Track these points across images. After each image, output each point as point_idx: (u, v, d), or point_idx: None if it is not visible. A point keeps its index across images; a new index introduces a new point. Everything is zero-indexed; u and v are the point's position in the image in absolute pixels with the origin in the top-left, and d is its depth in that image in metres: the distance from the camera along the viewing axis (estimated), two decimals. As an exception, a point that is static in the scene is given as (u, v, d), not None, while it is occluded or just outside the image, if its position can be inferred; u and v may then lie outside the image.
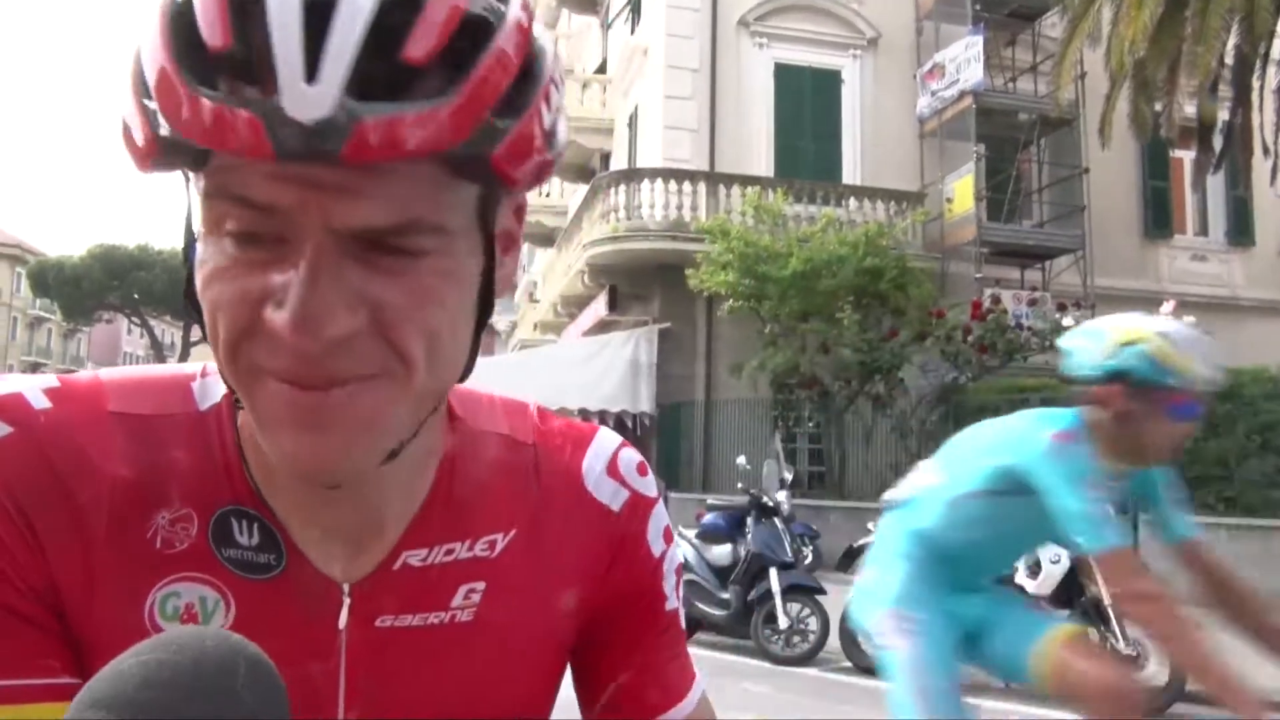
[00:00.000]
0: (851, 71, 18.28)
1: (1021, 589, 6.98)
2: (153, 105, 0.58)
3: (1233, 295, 18.97)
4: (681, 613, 0.92)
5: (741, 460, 9.94)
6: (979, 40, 16.45)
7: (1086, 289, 16.73)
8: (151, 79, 0.58)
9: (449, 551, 0.79)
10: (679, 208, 16.23)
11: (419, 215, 0.61)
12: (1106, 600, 6.60)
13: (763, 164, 17.49)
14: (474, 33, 0.60)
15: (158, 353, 50.18)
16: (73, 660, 0.68)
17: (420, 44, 0.57)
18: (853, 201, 16.76)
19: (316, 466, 0.64)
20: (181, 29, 0.58)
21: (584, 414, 15.06)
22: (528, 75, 0.63)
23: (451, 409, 0.82)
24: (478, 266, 0.68)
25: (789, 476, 9.97)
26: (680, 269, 15.10)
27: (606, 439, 0.90)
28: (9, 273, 61.17)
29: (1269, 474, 10.96)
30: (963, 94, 16.69)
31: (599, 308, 17.96)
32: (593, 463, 0.87)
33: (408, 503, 0.78)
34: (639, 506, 0.88)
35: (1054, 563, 6.85)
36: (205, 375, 0.77)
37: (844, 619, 7.67)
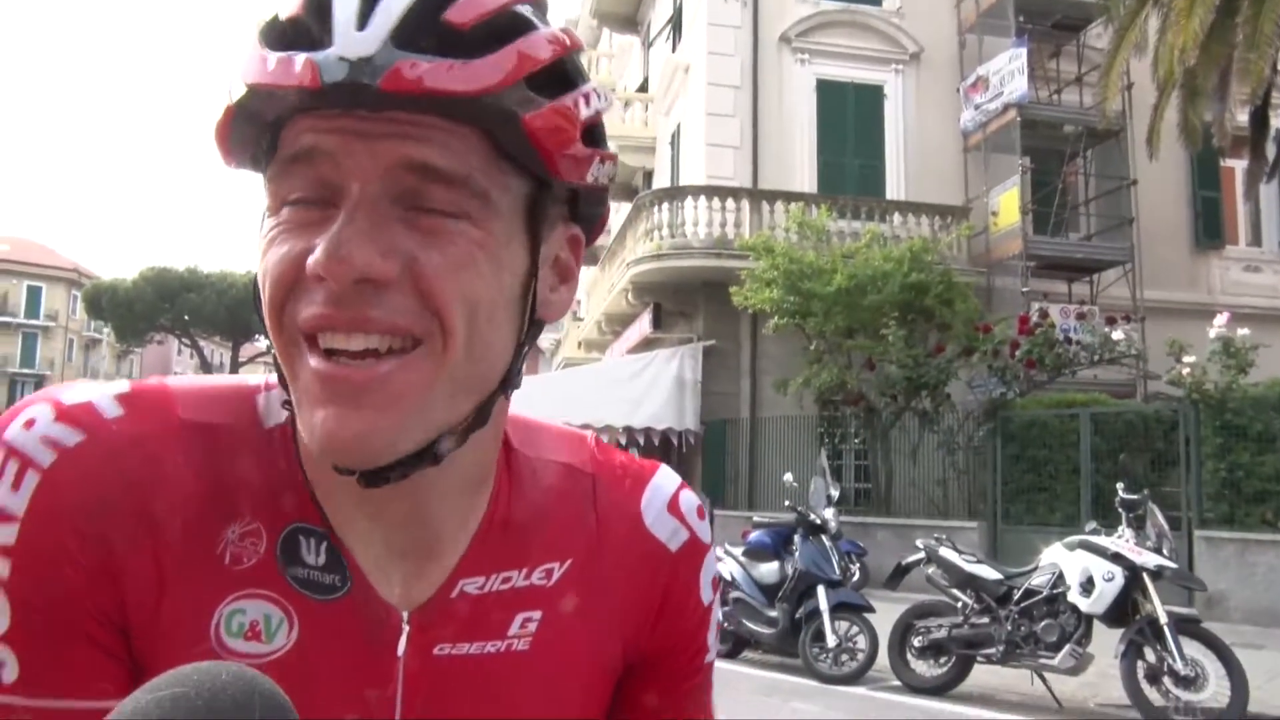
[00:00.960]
0: (894, 86, 18.20)
1: (1074, 607, 6.87)
2: (233, 86, 0.65)
3: (1288, 306, 18.59)
4: (715, 665, 0.91)
5: (788, 478, 9.89)
6: (1023, 52, 16.32)
7: (1136, 302, 16.50)
8: (241, 59, 0.65)
9: (506, 580, 0.78)
10: (722, 225, 16.23)
11: (468, 172, 0.65)
12: (1162, 619, 6.47)
13: (806, 180, 17.45)
14: (515, 23, 0.67)
15: (207, 373, 50.89)
16: (129, 681, 0.66)
17: (465, 11, 0.64)
18: (897, 217, 16.66)
19: (349, 442, 0.64)
20: (266, 21, 0.66)
21: (629, 431, 15.07)
22: (564, 75, 0.69)
23: (507, 437, 0.82)
24: (521, 265, 0.70)
25: (836, 494, 9.90)
26: (724, 286, 15.08)
27: (667, 477, 0.89)
28: (66, 296, 62.43)
29: (1329, 489, 10.71)
30: (1007, 107, 16.54)
31: (643, 325, 17.98)
32: (652, 499, 0.86)
33: (463, 526, 0.77)
34: (695, 550, 0.87)
35: (1108, 580, 6.73)
36: (269, 389, 0.77)
37: (892, 637, 7.61)
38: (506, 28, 0.66)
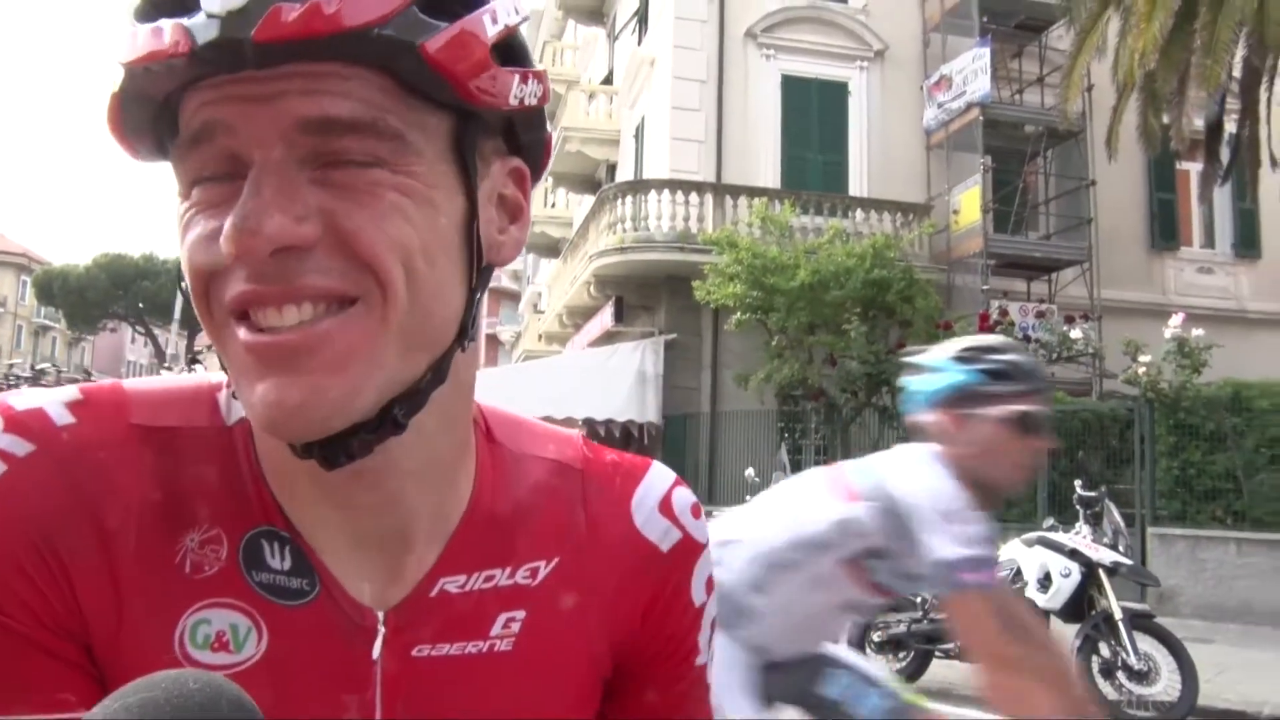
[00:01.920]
0: (858, 83, 18.29)
1: (1032, 602, 6.95)
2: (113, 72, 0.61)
3: (1240, 307, 18.92)
4: (710, 669, 0.88)
5: (750, 472, 9.94)
6: (986, 52, 16.45)
7: (1093, 301, 16.71)
8: (114, 46, 0.61)
9: (489, 578, 0.75)
10: (685, 219, 16.24)
11: (376, 117, 0.61)
12: (1118, 614, 6.56)
13: (770, 175, 17.49)
14: None
15: (161, 361, 50.18)
16: (94, 691, 0.64)
17: None
18: (859, 213, 16.75)
19: (294, 410, 0.60)
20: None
21: (589, 423, 15.05)
22: (468, 4, 0.64)
23: (489, 430, 0.80)
24: (456, 207, 0.66)
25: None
26: (687, 280, 15.09)
27: (660, 474, 0.86)
28: (15, 281, 61.33)
29: (1278, 487, 10.91)
30: (970, 106, 16.68)
31: (605, 319, 17.95)
32: (644, 497, 0.84)
33: (442, 518, 0.74)
34: (689, 550, 0.84)
35: (1065, 576, 6.81)
36: (230, 386, 0.73)
37: (852, 631, 7.66)
38: None
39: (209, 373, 0.77)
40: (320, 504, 0.70)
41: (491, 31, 0.64)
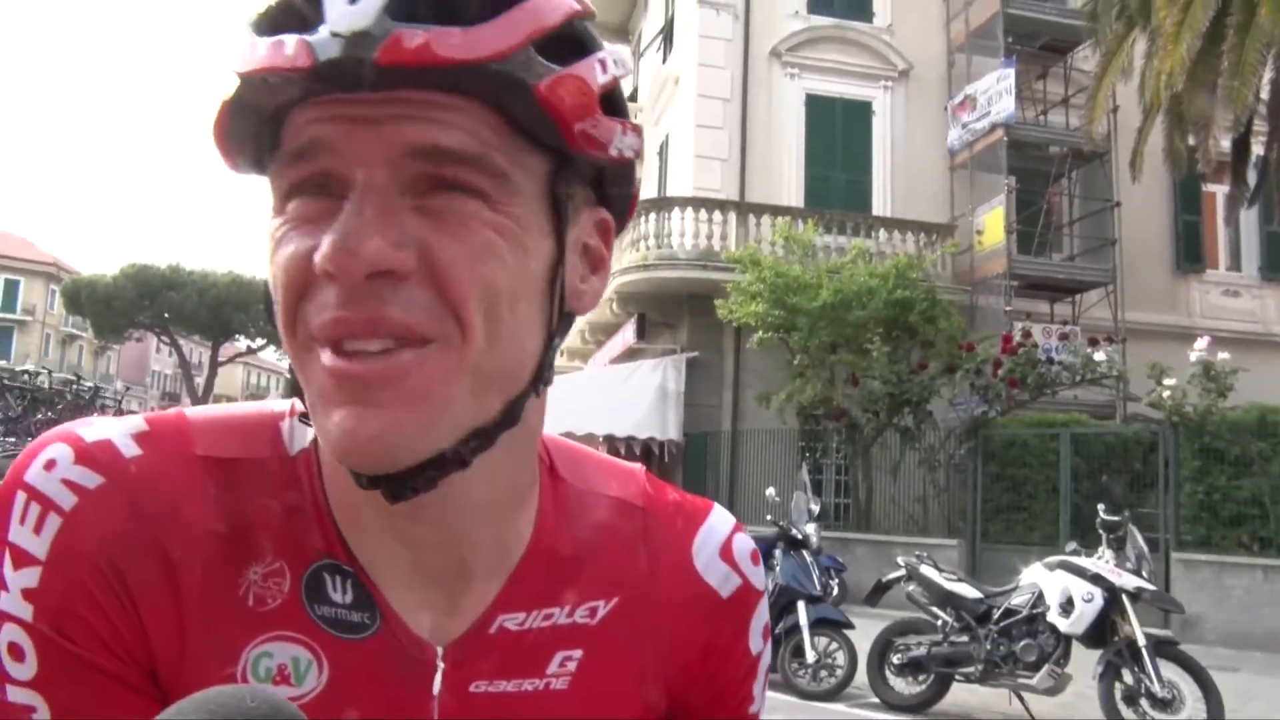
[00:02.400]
0: (882, 103, 18.29)
1: (1054, 627, 6.89)
2: (226, 82, 0.62)
3: (1266, 331, 18.77)
4: (762, 715, 0.87)
5: (771, 492, 9.89)
6: (1010, 73, 16.43)
7: (1117, 323, 16.61)
8: (231, 55, 0.62)
9: (548, 616, 0.75)
10: (709, 237, 16.26)
11: (482, 151, 0.61)
12: (1140, 641, 6.50)
13: (793, 194, 17.50)
14: None
15: (185, 371, 50.55)
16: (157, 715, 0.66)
17: None
18: (882, 233, 16.73)
19: (364, 445, 0.60)
20: (257, 10, 0.62)
21: (610, 440, 15.05)
22: (576, 39, 0.64)
23: (553, 465, 0.80)
24: (546, 252, 0.66)
25: (817, 509, 9.89)
26: (709, 298, 15.09)
27: (722, 519, 0.85)
28: (44, 291, 61.90)
29: (1305, 514, 10.80)
30: (994, 126, 16.65)
31: (627, 335, 17.97)
32: (705, 541, 0.82)
33: (501, 556, 0.74)
34: (748, 598, 0.83)
35: (1087, 601, 6.75)
36: (294, 414, 0.74)
37: (872, 654, 7.62)
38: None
39: (270, 401, 0.78)
40: (383, 535, 0.70)
41: (601, 79, 0.64)
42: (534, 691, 0.74)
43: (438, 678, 0.71)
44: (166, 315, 45.81)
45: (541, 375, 0.68)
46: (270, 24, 0.61)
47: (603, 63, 0.65)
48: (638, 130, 0.69)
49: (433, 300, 0.60)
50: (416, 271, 0.60)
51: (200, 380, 50.71)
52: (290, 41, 0.58)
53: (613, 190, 0.71)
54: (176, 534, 0.67)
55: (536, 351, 0.67)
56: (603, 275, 0.72)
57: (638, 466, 0.86)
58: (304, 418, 0.68)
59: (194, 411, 0.74)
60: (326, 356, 0.61)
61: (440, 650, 0.72)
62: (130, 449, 0.68)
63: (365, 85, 0.58)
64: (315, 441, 0.73)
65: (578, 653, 0.75)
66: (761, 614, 0.85)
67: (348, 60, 0.57)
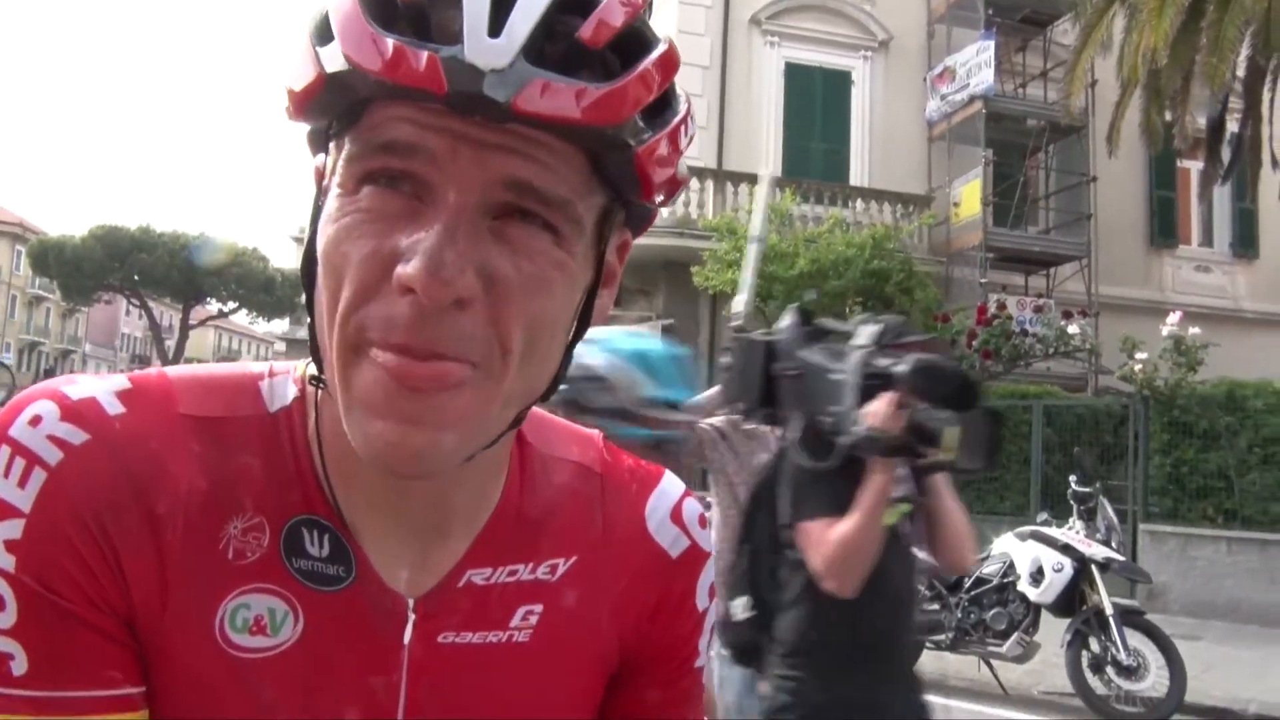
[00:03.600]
0: (862, 73, 18.26)
1: (1024, 596, 6.98)
2: (325, 49, 0.61)
3: (1236, 307, 18.96)
4: (705, 670, 0.93)
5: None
6: (990, 45, 16.43)
7: (1090, 297, 16.74)
8: (336, 21, 0.61)
9: (513, 572, 0.79)
10: (686, 204, 16.19)
11: (569, 197, 0.63)
12: (1108, 610, 6.60)
13: (771, 163, 17.40)
14: (635, 42, 0.65)
15: (156, 334, 50.09)
16: (137, 670, 0.68)
17: (599, 31, 0.62)
18: (860, 203, 16.74)
19: (405, 459, 0.63)
20: None
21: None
22: (668, 101, 0.68)
23: (521, 430, 0.82)
24: (585, 279, 0.69)
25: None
26: (685, 266, 15.07)
27: (672, 484, 0.90)
28: (10, 251, 61.09)
29: (1270, 487, 10.97)
30: (972, 98, 16.67)
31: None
32: (657, 504, 0.87)
33: (474, 514, 0.78)
34: (696, 558, 0.88)
35: (1057, 570, 6.85)
36: (273, 375, 0.77)
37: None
38: (629, 45, 0.64)
39: (250, 364, 0.80)
40: (370, 493, 0.73)
41: (683, 143, 0.68)
42: (498, 643, 0.78)
43: (408, 628, 0.74)
44: (136, 277, 45.31)
45: (555, 387, 0.72)
46: (391, 15, 0.60)
47: (685, 124, 0.68)
48: (685, 182, 0.74)
49: (487, 332, 0.63)
50: (480, 298, 0.62)
51: (171, 343, 50.32)
52: (423, 57, 0.58)
53: (638, 213, 0.73)
54: (160, 490, 0.68)
55: (556, 367, 0.70)
56: (612, 289, 0.75)
57: (595, 433, 0.91)
58: (316, 380, 0.71)
59: (176, 371, 0.75)
60: (380, 371, 0.62)
61: (411, 603, 0.75)
62: (115, 406, 0.69)
63: (488, 119, 0.60)
64: (296, 400, 0.75)
65: (539, 607, 0.79)
66: (708, 574, 0.90)
67: (482, 98, 0.58)
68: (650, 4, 19.65)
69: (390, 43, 0.59)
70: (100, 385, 0.70)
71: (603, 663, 0.84)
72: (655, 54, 0.65)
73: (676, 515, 0.87)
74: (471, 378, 0.63)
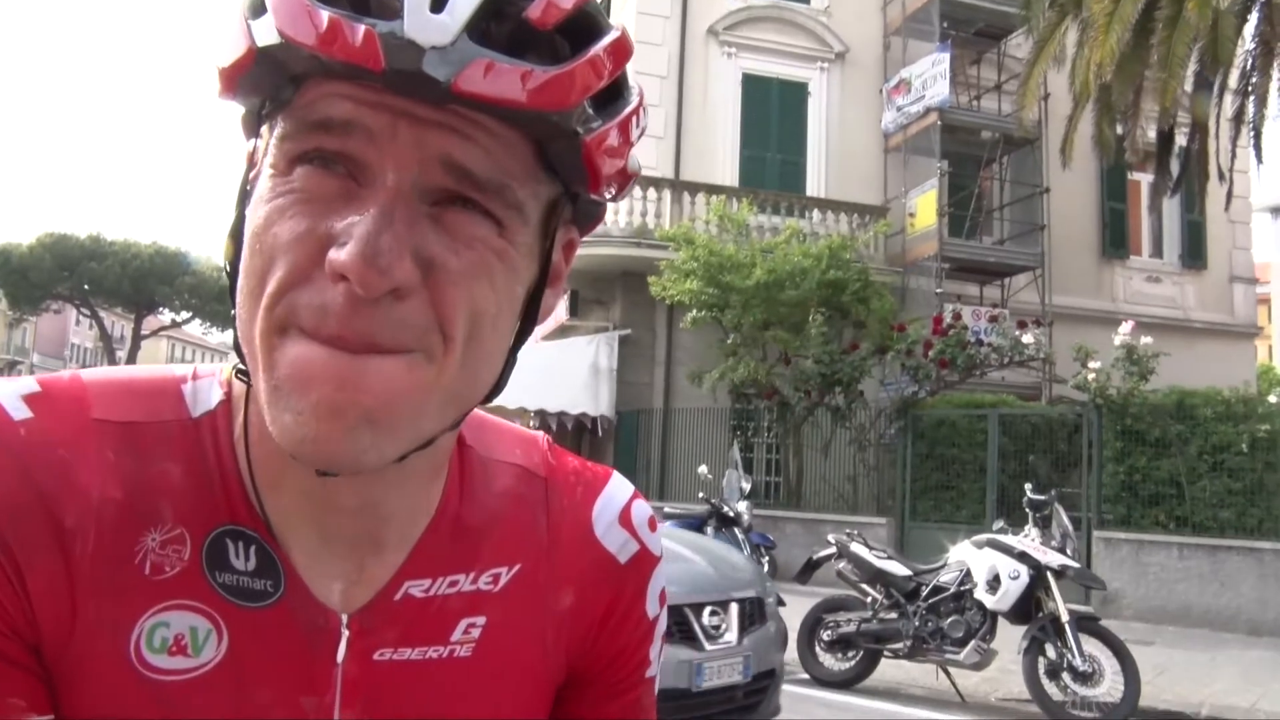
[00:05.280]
0: (818, 84, 18.38)
1: (980, 604, 7.01)
2: (258, 22, 0.57)
3: (1185, 317, 19.30)
4: (656, 681, 0.89)
5: (703, 469, 9.94)
6: (945, 57, 16.61)
7: (1044, 306, 16.94)
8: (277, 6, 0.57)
9: (453, 583, 0.74)
10: (643, 214, 16.22)
11: (505, 182, 0.60)
12: (1064, 617, 6.64)
13: (728, 173, 17.53)
14: (586, 26, 0.61)
15: (107, 345, 49.30)
16: (44, 697, 0.62)
17: (547, 12, 0.58)
18: (816, 213, 16.85)
19: (332, 449, 0.58)
20: None
21: (543, 415, 14.98)
22: (620, 91, 0.64)
23: (461, 433, 0.78)
24: (531, 275, 0.66)
25: (748, 486, 9.94)
26: (642, 276, 15.08)
27: (620, 486, 0.86)
28: (-46, 259, 59.81)
29: (1219, 494, 11.14)
30: (928, 110, 16.84)
31: (559, 312, 17.88)
32: (604, 508, 0.83)
33: (410, 523, 0.73)
34: (645, 562, 0.84)
35: (1013, 578, 6.88)
36: (196, 378, 0.72)
37: (802, 630, 7.69)
38: (579, 29, 0.61)
39: (172, 366, 0.75)
40: (300, 499, 0.68)
41: (635, 135, 0.65)
42: (438, 659, 0.73)
43: (342, 646, 0.70)
44: (87, 286, 44.56)
45: (498, 390, 0.68)
46: None
47: (637, 115, 0.65)
48: (635, 176, 0.69)
49: (426, 320, 0.59)
50: (418, 285, 0.59)
51: (122, 354, 49.50)
52: (359, 31, 0.55)
53: (585, 209, 0.70)
54: (68, 501, 0.63)
55: (500, 366, 0.66)
56: (558, 290, 0.71)
57: (539, 434, 0.86)
58: (241, 374, 0.66)
59: (91, 373, 0.70)
60: (310, 346, 0.58)
61: (345, 618, 0.70)
62: (20, 411, 0.64)
63: (427, 98, 0.56)
64: (221, 404, 0.70)
65: (481, 619, 0.75)
66: (658, 580, 0.85)
67: (422, 76, 0.55)
68: (608, 14, 19.65)
69: (325, 15, 0.55)
70: (5, 389, 0.65)
71: (550, 675, 0.80)
72: (607, 40, 0.61)
73: (625, 518, 0.83)
74: (406, 361, 0.59)
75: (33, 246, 43.86)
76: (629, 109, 0.64)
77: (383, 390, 0.58)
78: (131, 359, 47.71)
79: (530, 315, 0.67)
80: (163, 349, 73.20)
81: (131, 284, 44.07)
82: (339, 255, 0.56)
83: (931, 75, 16.79)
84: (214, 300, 47.28)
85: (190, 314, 49.72)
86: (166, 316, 51.46)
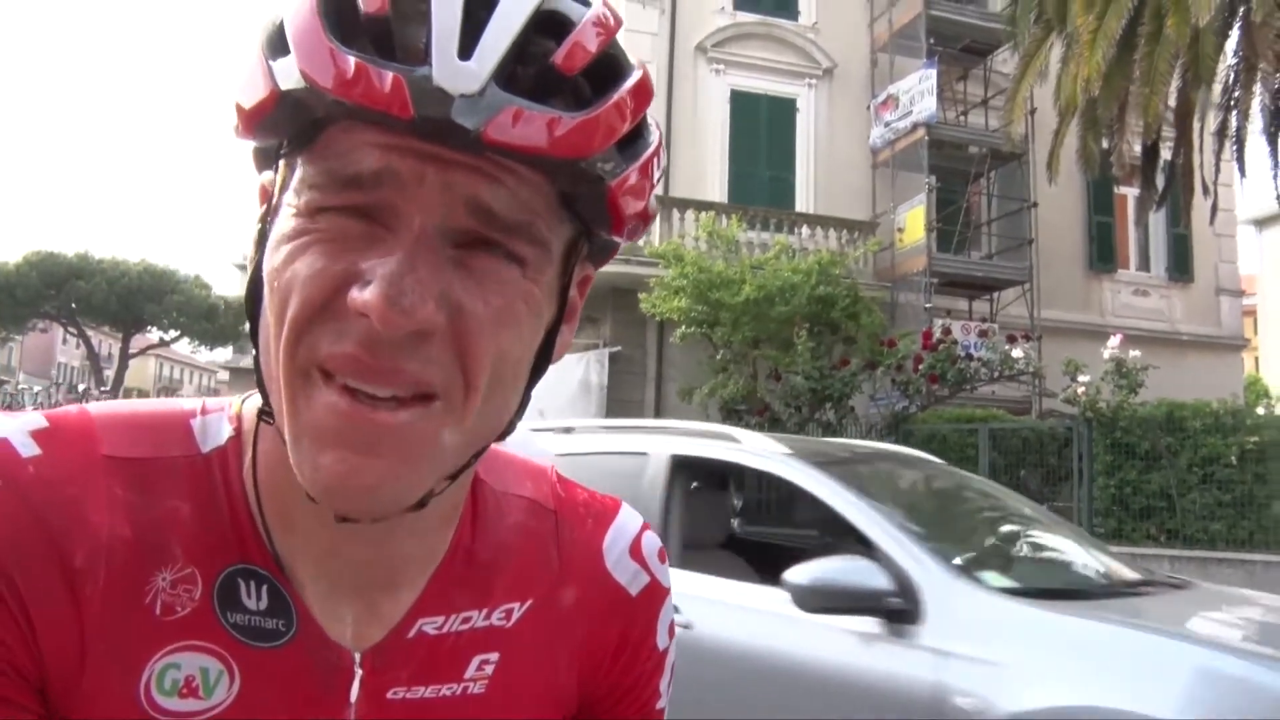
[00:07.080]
0: (806, 100, 18.46)
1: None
2: (280, 63, 0.56)
3: (1173, 329, 19.40)
4: (665, 714, 0.89)
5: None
6: (933, 73, 16.70)
7: (1033, 320, 16.99)
8: (292, 33, 0.56)
9: (466, 620, 0.74)
10: (633, 231, 16.22)
11: (529, 221, 0.59)
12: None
13: (717, 190, 17.57)
14: (609, 67, 0.61)
15: (94, 364, 49.07)
16: None
17: (573, 56, 0.58)
18: (805, 229, 16.88)
19: (358, 494, 0.58)
20: None
21: (534, 432, 14.92)
22: (641, 132, 0.64)
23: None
24: (551, 314, 0.65)
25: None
26: (632, 292, 15.08)
27: (629, 517, 0.86)
28: (-60, 278, 59.53)
29: (1209, 506, 11.16)
30: (915, 126, 16.92)
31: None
32: (615, 540, 0.83)
33: (424, 561, 0.73)
34: (655, 595, 0.84)
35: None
36: (205, 413, 0.71)
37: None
38: (604, 73, 0.60)
39: (181, 400, 0.74)
40: (314, 540, 0.68)
41: (655, 175, 0.65)
42: (452, 696, 0.73)
43: (355, 685, 0.69)
44: (74, 305, 44.39)
45: (513, 426, 0.68)
46: (352, 29, 0.55)
47: (658, 155, 0.65)
48: (653, 216, 0.70)
49: (450, 361, 0.59)
50: (443, 330, 0.58)
51: (110, 373, 49.26)
52: (387, 78, 0.54)
53: (601, 245, 0.70)
54: (78, 539, 0.62)
55: (516, 405, 0.66)
56: (573, 326, 0.71)
57: (548, 464, 0.87)
58: (266, 414, 0.64)
59: (99, 408, 0.69)
60: (334, 395, 0.57)
61: (358, 657, 0.70)
62: (29, 448, 0.63)
63: (457, 147, 0.56)
64: (231, 439, 0.69)
65: (494, 655, 0.75)
66: (668, 612, 0.86)
67: (451, 125, 0.54)
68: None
69: (352, 61, 0.54)
70: (13, 425, 0.64)
71: (562, 709, 0.80)
72: (630, 82, 0.61)
73: (635, 550, 0.83)
74: (433, 410, 0.59)
75: (19, 265, 43.67)
76: (649, 150, 0.64)
77: (403, 447, 0.58)
78: (119, 377, 47.52)
79: (546, 353, 0.67)
80: (150, 367, 72.91)
81: (119, 302, 43.93)
82: (361, 294, 0.55)
83: (919, 91, 16.88)
84: (202, 319, 47.19)
85: (178, 332, 49.57)
86: (154, 335, 51.31)
